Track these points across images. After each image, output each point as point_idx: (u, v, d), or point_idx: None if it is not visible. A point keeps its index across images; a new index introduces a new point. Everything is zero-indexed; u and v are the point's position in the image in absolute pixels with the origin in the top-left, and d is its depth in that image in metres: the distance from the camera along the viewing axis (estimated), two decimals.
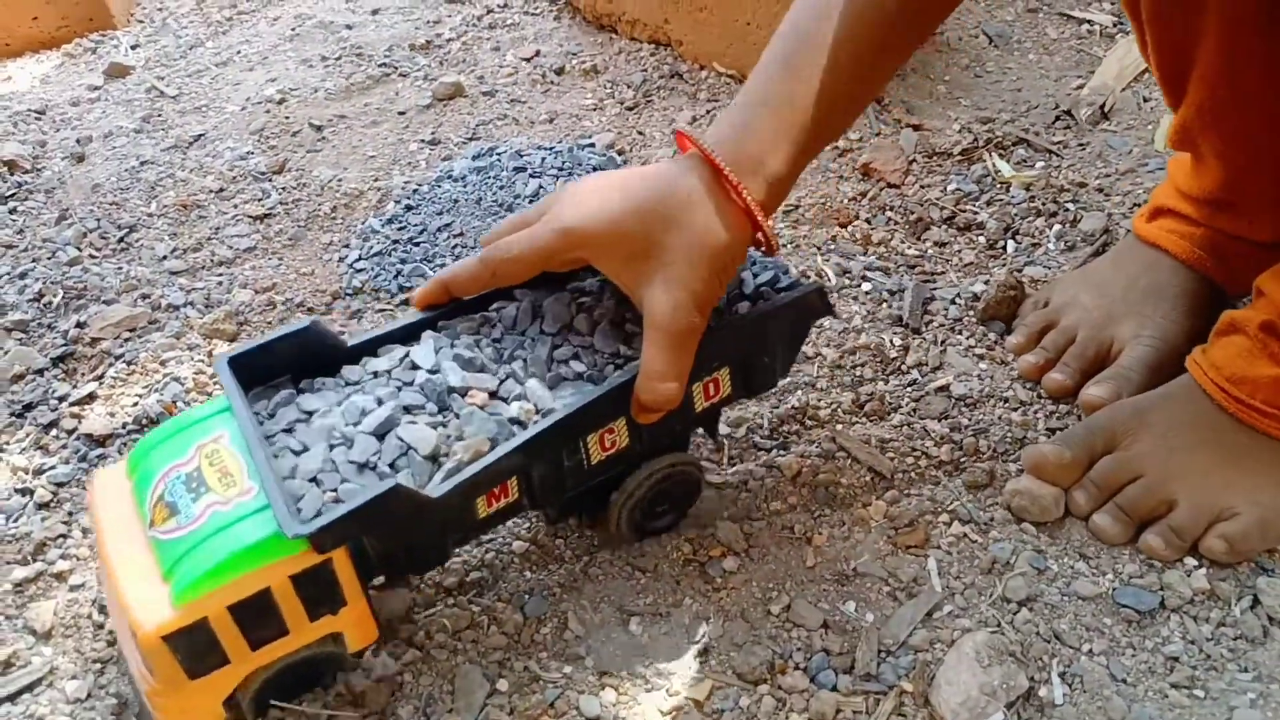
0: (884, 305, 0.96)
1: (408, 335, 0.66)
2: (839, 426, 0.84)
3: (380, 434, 0.59)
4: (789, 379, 0.88)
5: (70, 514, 0.78)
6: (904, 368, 0.90)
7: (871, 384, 0.88)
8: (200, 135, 1.26)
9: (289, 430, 0.60)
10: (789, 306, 0.68)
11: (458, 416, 0.61)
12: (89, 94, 1.41)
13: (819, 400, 0.86)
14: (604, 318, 0.67)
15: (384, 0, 1.61)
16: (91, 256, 1.05)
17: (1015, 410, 0.85)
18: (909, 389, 0.87)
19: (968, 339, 0.92)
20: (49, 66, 1.55)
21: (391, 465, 0.58)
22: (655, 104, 1.26)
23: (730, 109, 0.65)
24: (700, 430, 0.77)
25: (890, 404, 0.86)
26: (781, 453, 0.82)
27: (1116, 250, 0.94)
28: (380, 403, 0.61)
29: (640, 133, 1.21)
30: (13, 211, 1.12)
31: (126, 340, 0.93)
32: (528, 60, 1.39)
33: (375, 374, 0.64)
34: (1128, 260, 0.91)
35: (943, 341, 0.92)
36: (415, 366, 0.63)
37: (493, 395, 0.63)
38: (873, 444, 0.82)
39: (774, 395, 0.87)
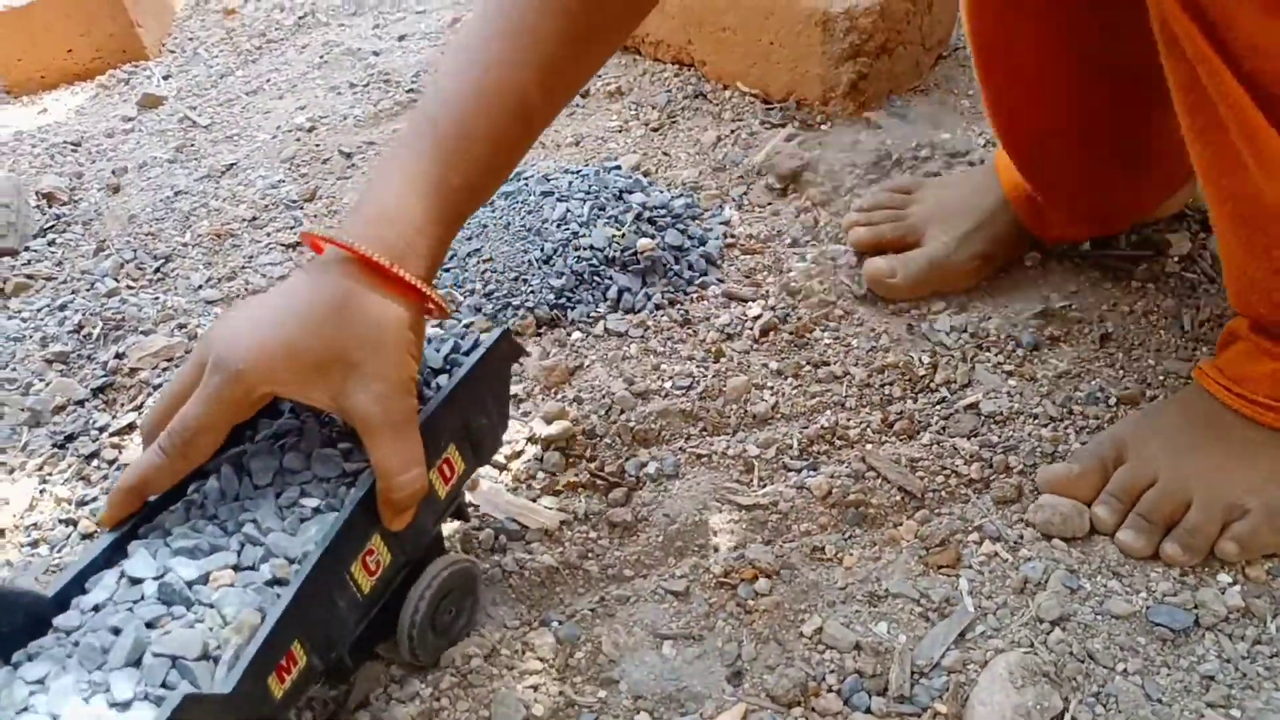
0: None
1: (111, 558, 0.59)
2: (868, 446, 0.84)
3: (134, 661, 0.52)
4: (815, 398, 0.89)
5: None
6: (933, 385, 0.90)
7: (900, 402, 0.89)
8: (232, 164, 1.28)
9: (26, 710, 0.51)
10: (485, 360, 0.67)
11: (210, 605, 0.55)
12: (123, 125, 1.44)
13: (848, 420, 0.86)
14: (312, 446, 0.63)
15: (410, 26, 1.63)
16: (129, 287, 1.07)
17: (1045, 426, 0.85)
18: (938, 407, 0.88)
19: (996, 355, 0.92)
20: (84, 98, 1.59)
21: (164, 685, 0.51)
22: (680, 124, 1.27)
23: (374, 187, 0.63)
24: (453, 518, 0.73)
25: (919, 422, 0.86)
26: (811, 473, 0.82)
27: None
28: (117, 632, 0.53)
29: (665, 154, 1.22)
30: (51, 243, 1.15)
31: (164, 370, 0.95)
32: None
33: (96, 608, 0.55)
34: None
35: (971, 359, 0.92)
36: (137, 580, 0.56)
37: (237, 569, 0.57)
38: (903, 463, 0.82)
39: (803, 415, 0.88)
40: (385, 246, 0.60)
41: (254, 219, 1.17)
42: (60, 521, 0.82)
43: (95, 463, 0.87)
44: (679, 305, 1.00)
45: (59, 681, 0.51)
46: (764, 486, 0.82)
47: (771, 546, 0.76)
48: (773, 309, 0.98)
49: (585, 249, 1.01)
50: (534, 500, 0.82)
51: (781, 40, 1.21)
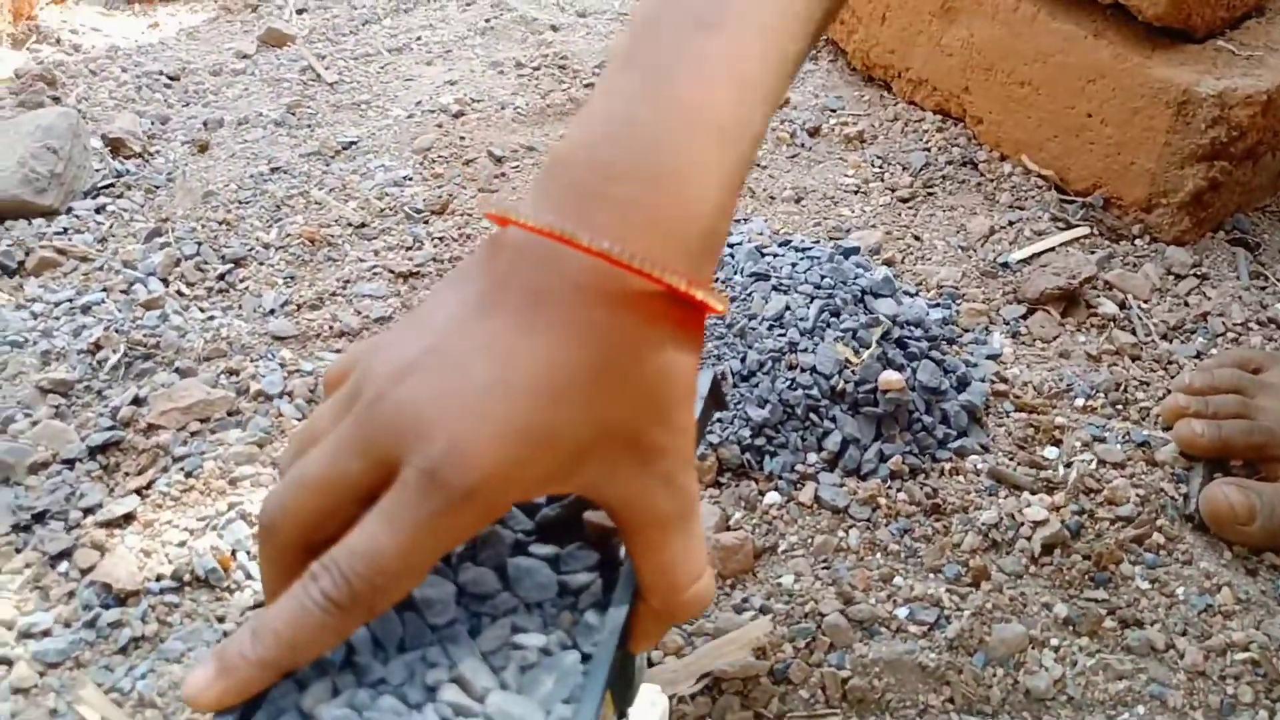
0: None
1: None
2: None
3: None
4: (1122, 681, 0.61)
5: (53, 715, 0.55)
6: None
7: (1251, 714, 0.60)
8: (352, 143, 1.04)
9: None
10: (704, 410, 0.49)
11: None
12: (235, 63, 1.22)
13: None
14: (498, 553, 0.42)
15: (597, 1, 1.37)
16: (179, 294, 0.83)
17: None
18: None
19: None
20: (201, 19, 1.38)
21: None
22: (938, 199, 0.99)
23: (632, 125, 0.37)
24: None
25: None
26: None
27: None
28: None
29: (917, 237, 0.93)
30: (100, 210, 0.92)
31: (194, 435, 0.70)
32: None
33: None
34: None
35: None
36: None
37: None
38: None
39: (1102, 707, 0.60)
40: (679, 251, 0.36)
41: (362, 226, 0.92)
42: None
43: (62, 568, 0.62)
44: (924, 478, 0.72)
45: None
46: None
47: None
48: (1061, 514, 0.69)
49: (804, 371, 0.73)
50: None
51: (1107, 115, 0.92)
